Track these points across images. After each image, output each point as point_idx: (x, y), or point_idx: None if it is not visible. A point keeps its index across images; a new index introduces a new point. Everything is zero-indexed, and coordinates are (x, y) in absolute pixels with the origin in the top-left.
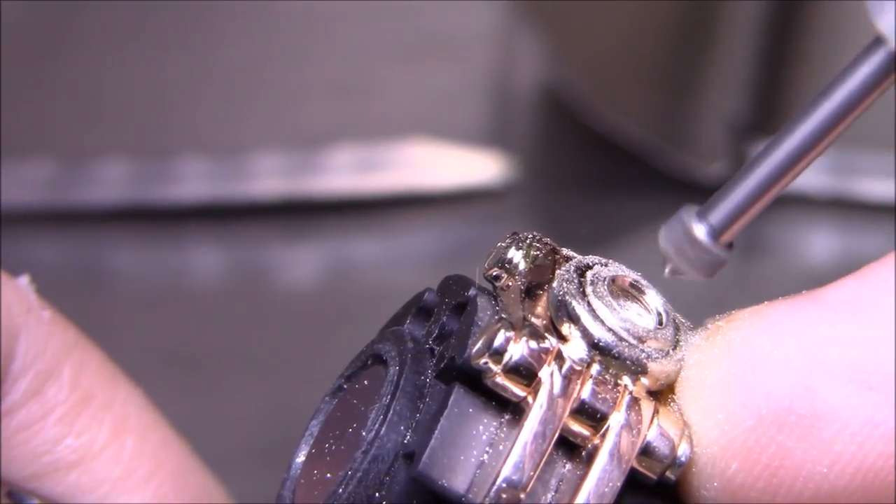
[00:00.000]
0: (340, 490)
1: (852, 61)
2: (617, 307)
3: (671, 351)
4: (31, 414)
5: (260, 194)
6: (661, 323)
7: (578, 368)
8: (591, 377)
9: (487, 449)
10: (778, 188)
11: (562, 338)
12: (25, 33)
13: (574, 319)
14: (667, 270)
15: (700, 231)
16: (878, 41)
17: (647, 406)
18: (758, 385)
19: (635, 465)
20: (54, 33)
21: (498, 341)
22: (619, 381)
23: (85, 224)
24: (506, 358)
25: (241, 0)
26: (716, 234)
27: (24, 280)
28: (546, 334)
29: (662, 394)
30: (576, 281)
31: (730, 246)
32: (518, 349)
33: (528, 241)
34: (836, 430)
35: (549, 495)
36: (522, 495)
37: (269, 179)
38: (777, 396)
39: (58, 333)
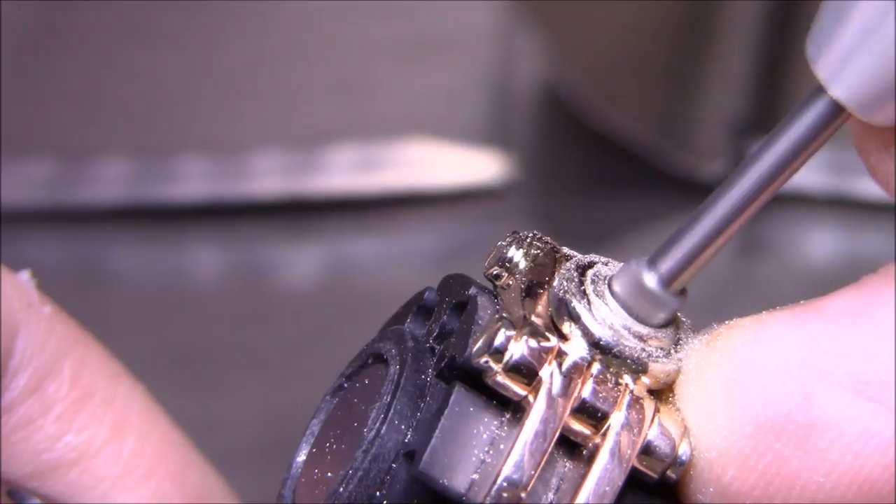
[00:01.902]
0: (341, 489)
1: (794, 109)
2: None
3: (672, 350)
4: (30, 411)
5: (260, 193)
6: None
7: (579, 367)
8: (591, 376)
9: (488, 448)
10: (726, 236)
11: (562, 337)
12: (26, 33)
13: (574, 318)
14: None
15: (650, 280)
16: (819, 90)
17: (648, 405)
18: (757, 392)
19: (636, 464)
20: (54, 33)
21: (498, 340)
22: (619, 380)
23: (85, 223)
24: (506, 357)
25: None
26: (666, 282)
27: (25, 275)
28: (547, 333)
29: (663, 393)
30: (576, 280)
31: (682, 292)
32: (518, 348)
33: (528, 240)
34: (833, 440)
35: (550, 494)
36: (523, 494)
37: (268, 178)
38: (775, 404)
39: (58, 329)
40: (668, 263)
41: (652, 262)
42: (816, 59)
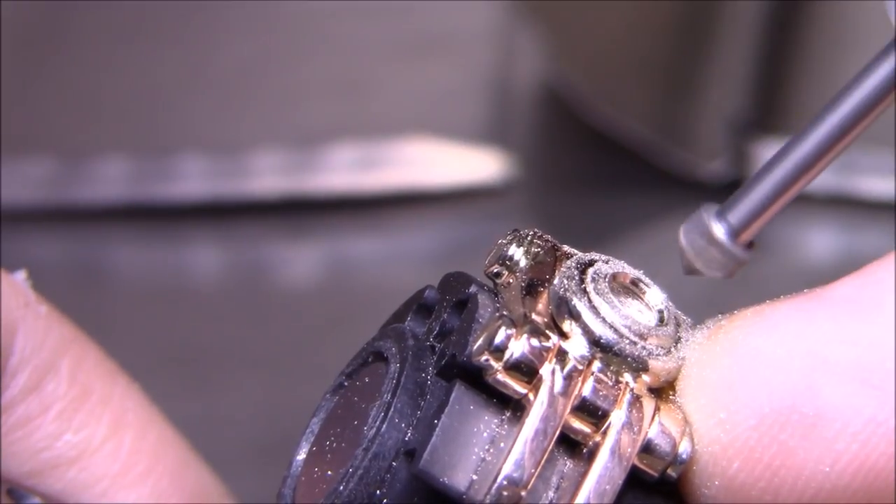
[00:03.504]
0: (341, 488)
1: (871, 61)
2: (618, 304)
3: (672, 348)
4: (29, 409)
5: (260, 192)
6: (662, 320)
7: (580, 366)
8: (592, 374)
9: (488, 446)
10: (798, 187)
11: (563, 335)
12: (25, 32)
13: (575, 316)
14: (685, 270)
15: (719, 230)
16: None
17: (648, 403)
18: (760, 384)
19: (636, 462)
20: (54, 32)
21: (499, 338)
22: (620, 379)
23: (84, 222)
24: (507, 355)
25: None
26: (735, 233)
27: (21, 275)
28: (547, 331)
29: (663, 391)
30: (577, 278)
31: (750, 245)
32: (519, 346)
33: (528, 238)
34: (839, 429)
35: (550, 493)
36: (523, 493)
37: (268, 177)
38: (779, 395)
39: (55, 328)
40: (737, 214)
41: (721, 213)
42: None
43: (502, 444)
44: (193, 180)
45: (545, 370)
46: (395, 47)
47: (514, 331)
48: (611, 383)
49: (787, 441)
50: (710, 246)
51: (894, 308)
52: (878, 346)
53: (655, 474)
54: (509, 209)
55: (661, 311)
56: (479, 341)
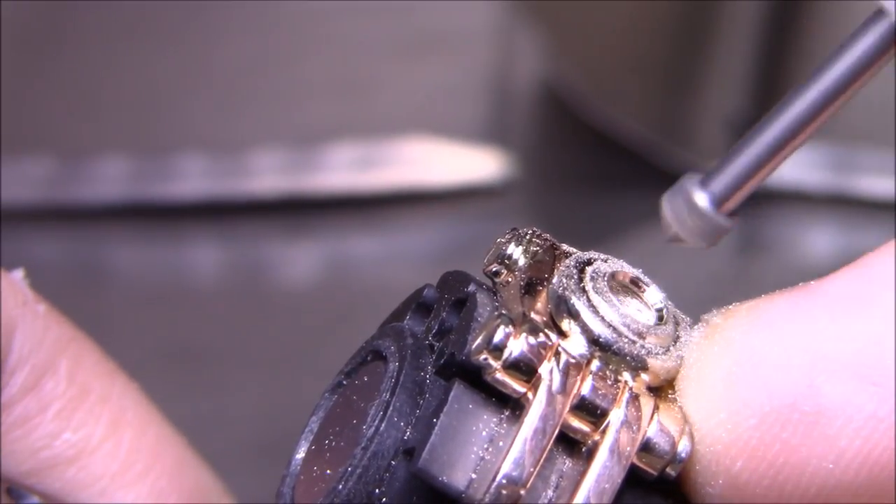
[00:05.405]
0: (340, 486)
1: (852, 33)
2: (617, 303)
3: (671, 347)
4: (28, 408)
5: (259, 191)
6: (661, 319)
7: (578, 364)
8: (590, 373)
9: (487, 445)
10: (780, 158)
11: (562, 334)
12: (25, 31)
13: (574, 315)
14: (668, 238)
15: (702, 199)
16: (880, 13)
17: (647, 402)
18: (760, 383)
19: (635, 461)
20: (54, 31)
21: (498, 337)
22: (619, 378)
23: (84, 221)
24: (505, 354)
25: None
26: (718, 202)
27: (19, 274)
28: (546, 330)
29: (662, 390)
30: (575, 277)
31: (732, 214)
32: (518, 345)
33: (527, 237)
34: (841, 426)
35: (549, 492)
36: (522, 491)
37: (268, 176)
38: (780, 394)
39: (53, 327)
40: (720, 183)
41: (704, 182)
42: None
43: (501, 443)
44: (193, 180)
45: (544, 369)
46: (395, 47)
47: (512, 330)
48: (610, 382)
49: (789, 439)
50: (693, 214)
51: (892, 302)
52: (877, 341)
53: (654, 473)
54: (508, 208)
55: (659, 310)
56: (478, 340)
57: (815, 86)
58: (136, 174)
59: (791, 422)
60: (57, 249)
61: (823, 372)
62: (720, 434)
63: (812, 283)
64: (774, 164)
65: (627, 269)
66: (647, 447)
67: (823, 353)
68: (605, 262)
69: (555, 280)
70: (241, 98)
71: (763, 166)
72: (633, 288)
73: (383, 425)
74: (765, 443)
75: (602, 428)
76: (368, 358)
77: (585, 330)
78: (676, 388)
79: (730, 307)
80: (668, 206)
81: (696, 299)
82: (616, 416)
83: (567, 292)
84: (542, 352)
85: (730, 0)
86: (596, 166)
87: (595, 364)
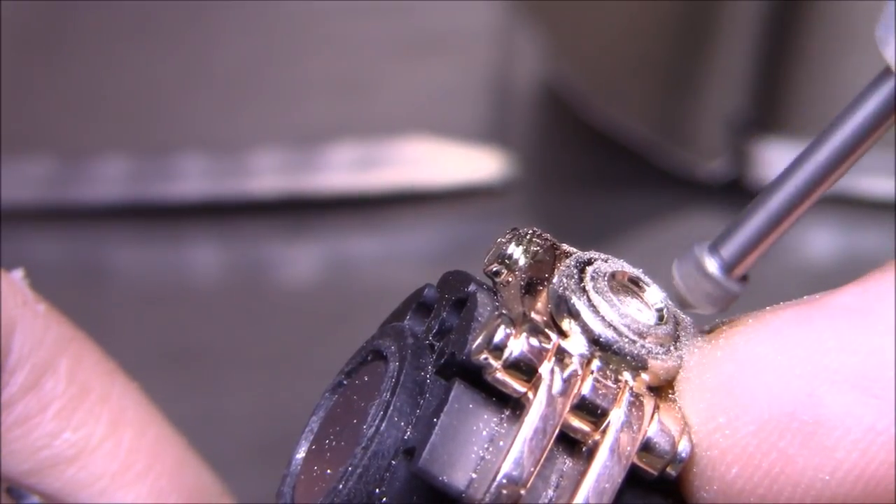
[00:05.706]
0: (340, 486)
1: (860, 93)
2: (617, 303)
3: (672, 347)
4: (28, 408)
5: (259, 191)
6: (661, 319)
7: (579, 364)
8: (591, 373)
9: (487, 445)
10: (789, 222)
11: (562, 333)
12: (25, 31)
13: (574, 315)
14: (677, 304)
15: (712, 265)
16: (887, 72)
17: (647, 402)
18: (760, 390)
19: (636, 461)
20: (54, 31)
21: (498, 337)
22: (619, 377)
23: (84, 221)
24: (506, 353)
25: None
26: (728, 268)
27: (19, 274)
28: (546, 330)
29: (663, 390)
30: (576, 276)
31: (743, 279)
32: (518, 345)
33: (527, 237)
34: (839, 438)
35: (550, 491)
36: (522, 491)
37: (268, 177)
38: (780, 402)
39: (53, 327)
40: (730, 249)
41: (714, 248)
42: (886, 42)
43: (501, 443)
44: (193, 179)
45: (544, 369)
46: (396, 47)
47: (513, 329)
48: (610, 382)
49: (786, 448)
50: (704, 280)
51: (894, 317)
52: (879, 355)
53: (655, 473)
54: (509, 208)
55: (660, 310)
56: (479, 340)
57: (823, 148)
58: (136, 174)
59: (789, 430)
60: (57, 249)
61: (825, 382)
62: (717, 439)
63: (817, 295)
64: (784, 228)
65: (628, 269)
66: (647, 447)
67: (825, 364)
68: (606, 261)
69: (555, 280)
70: (241, 98)
71: (772, 231)
72: (633, 288)
73: (384, 425)
74: (762, 450)
75: (602, 428)
76: (369, 358)
77: (586, 330)
78: (676, 390)
79: (736, 316)
80: (679, 272)
81: None
82: (616, 415)
83: (567, 292)
84: (543, 352)
85: (730, 0)
86: (596, 166)
87: (595, 364)
